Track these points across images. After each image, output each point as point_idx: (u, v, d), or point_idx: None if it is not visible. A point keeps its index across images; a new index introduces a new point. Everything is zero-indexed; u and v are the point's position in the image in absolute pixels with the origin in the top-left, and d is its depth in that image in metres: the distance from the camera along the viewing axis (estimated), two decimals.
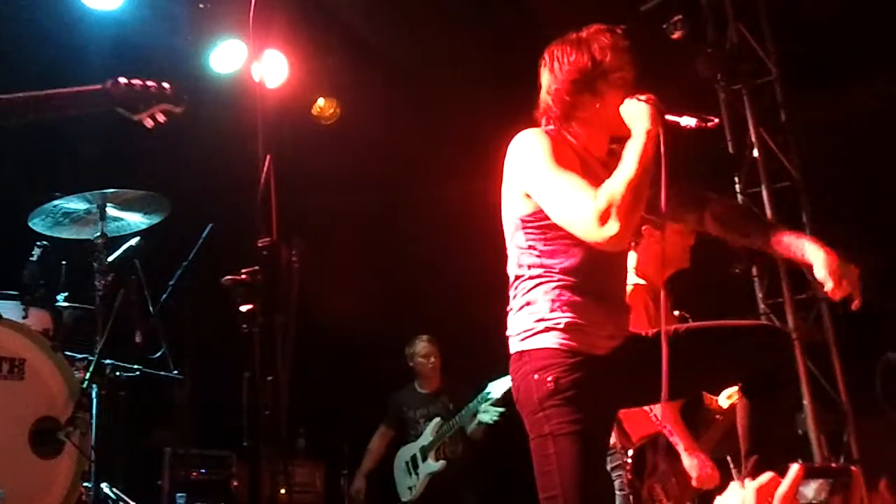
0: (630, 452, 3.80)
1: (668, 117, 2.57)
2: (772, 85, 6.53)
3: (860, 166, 6.06)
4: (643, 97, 2.60)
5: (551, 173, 2.56)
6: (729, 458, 4.06)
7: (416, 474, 6.22)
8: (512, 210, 2.73)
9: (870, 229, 5.95)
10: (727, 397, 3.98)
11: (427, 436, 6.23)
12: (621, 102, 2.65)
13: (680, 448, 3.65)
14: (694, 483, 3.64)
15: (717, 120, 2.65)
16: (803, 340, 6.14)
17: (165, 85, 3.28)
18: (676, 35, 6.15)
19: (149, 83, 3.25)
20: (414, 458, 6.27)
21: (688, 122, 2.61)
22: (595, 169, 2.69)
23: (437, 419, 6.23)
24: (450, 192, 6.88)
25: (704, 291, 4.89)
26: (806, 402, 6.01)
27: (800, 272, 6.39)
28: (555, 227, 2.60)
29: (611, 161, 2.69)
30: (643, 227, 3.83)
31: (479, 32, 6.62)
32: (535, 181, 2.61)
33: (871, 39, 5.97)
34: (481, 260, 5.32)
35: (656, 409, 3.62)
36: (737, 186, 6.56)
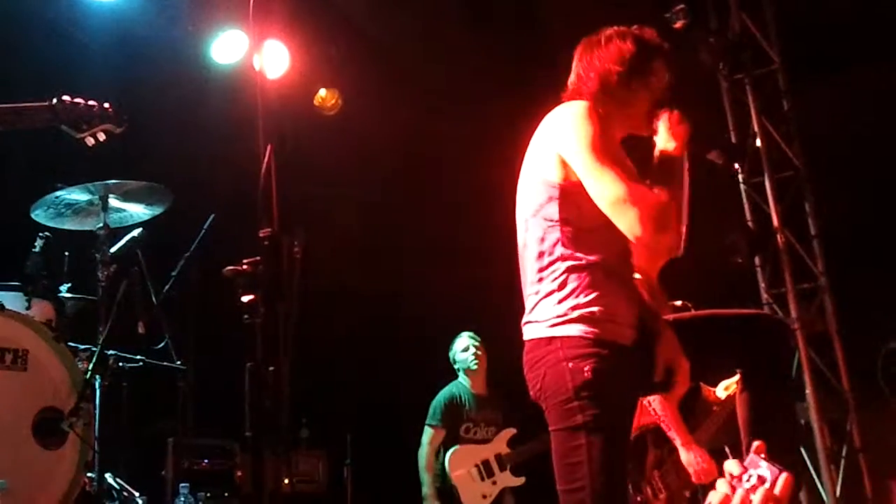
0: None
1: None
2: (774, 74, 6.52)
3: (863, 155, 6.05)
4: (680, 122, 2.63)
5: (601, 160, 2.43)
6: (727, 449, 4.07)
7: (493, 482, 5.69)
8: (547, 177, 2.55)
9: (872, 217, 5.94)
10: (724, 388, 3.98)
11: (500, 444, 5.77)
12: (645, 108, 2.66)
13: (677, 443, 3.65)
14: (693, 479, 3.65)
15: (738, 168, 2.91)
16: (806, 330, 6.15)
17: (107, 105, 3.35)
18: (679, 24, 6.14)
19: (91, 103, 3.31)
20: (487, 463, 5.73)
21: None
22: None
23: (511, 429, 5.80)
24: (451, 183, 6.88)
25: (708, 281, 4.89)
26: (808, 391, 6.03)
27: (803, 262, 6.41)
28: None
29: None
30: None
31: (481, 24, 6.61)
32: (583, 161, 2.46)
33: (874, 27, 5.95)
34: (484, 250, 5.33)
35: (654, 403, 3.62)
36: (739, 176, 6.56)
